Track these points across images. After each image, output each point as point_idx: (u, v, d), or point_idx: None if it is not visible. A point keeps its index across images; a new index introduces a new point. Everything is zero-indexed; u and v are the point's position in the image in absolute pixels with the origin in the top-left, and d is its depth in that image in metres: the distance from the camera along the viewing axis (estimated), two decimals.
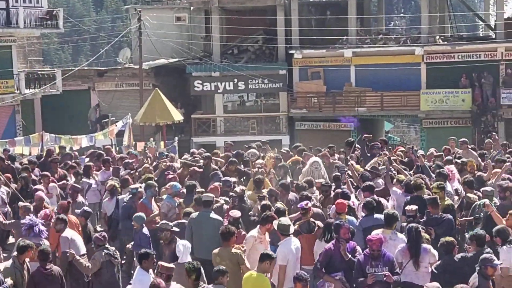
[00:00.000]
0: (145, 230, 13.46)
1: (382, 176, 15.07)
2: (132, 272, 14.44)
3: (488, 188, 13.49)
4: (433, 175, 14.80)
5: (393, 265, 10.38)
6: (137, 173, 17.90)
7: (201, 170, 17.28)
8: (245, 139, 31.01)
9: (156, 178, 16.75)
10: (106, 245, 11.83)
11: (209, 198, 13.14)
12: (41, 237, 12.28)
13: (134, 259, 13.62)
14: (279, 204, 13.05)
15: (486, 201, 12.44)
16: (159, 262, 10.32)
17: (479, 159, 17.92)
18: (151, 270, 10.53)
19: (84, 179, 17.80)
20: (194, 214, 13.00)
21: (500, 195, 13.11)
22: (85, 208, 14.52)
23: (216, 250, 11.37)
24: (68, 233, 12.57)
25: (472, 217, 12.68)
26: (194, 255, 12.34)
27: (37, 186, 16.41)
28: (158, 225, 12.43)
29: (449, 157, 17.53)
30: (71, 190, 16.08)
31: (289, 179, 16.06)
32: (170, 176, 16.29)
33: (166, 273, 9.89)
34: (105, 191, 16.92)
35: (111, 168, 18.70)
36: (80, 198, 15.94)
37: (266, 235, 11.91)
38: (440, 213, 12.23)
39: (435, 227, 11.91)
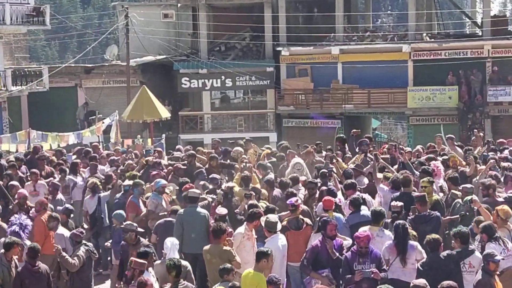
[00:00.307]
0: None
1: (367, 173, 15.14)
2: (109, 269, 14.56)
3: (468, 185, 13.50)
4: (417, 172, 14.81)
5: (381, 262, 10.41)
6: (118, 171, 17.77)
7: (185, 167, 17.30)
8: (232, 136, 30.96)
9: (139, 174, 16.70)
10: (84, 241, 11.93)
11: (194, 194, 13.39)
12: (21, 237, 12.32)
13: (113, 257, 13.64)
14: (263, 203, 13.10)
15: (474, 197, 12.49)
16: (131, 258, 10.45)
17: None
18: (150, 269, 10.54)
19: (70, 177, 17.75)
20: (181, 211, 13.14)
21: (483, 192, 13.13)
22: (67, 205, 14.56)
23: (207, 247, 11.43)
24: (63, 230, 12.61)
25: (457, 215, 12.69)
26: (183, 251, 12.47)
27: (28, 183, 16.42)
28: (122, 226, 12.29)
29: (431, 155, 17.57)
30: (51, 187, 16.05)
31: (272, 175, 16.07)
32: (154, 173, 16.26)
33: (139, 269, 10.08)
34: (84, 189, 16.84)
35: (99, 166, 18.66)
36: (59, 196, 15.89)
37: (253, 232, 11.96)
38: (428, 210, 12.28)
39: (424, 225, 11.93)
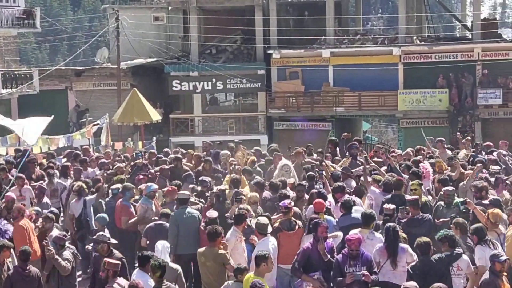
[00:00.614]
0: (106, 231, 13.50)
1: (354, 175, 15.18)
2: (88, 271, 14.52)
3: (450, 188, 13.53)
4: (405, 175, 14.80)
5: (372, 264, 10.42)
6: (105, 174, 17.70)
7: (169, 167, 17.25)
8: (223, 139, 30.93)
9: (126, 177, 16.66)
10: (67, 245, 11.91)
11: (184, 196, 13.53)
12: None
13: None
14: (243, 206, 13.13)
15: (467, 198, 12.53)
16: (105, 259, 10.52)
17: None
18: (121, 279, 10.53)
19: (59, 180, 17.67)
20: (173, 213, 13.27)
21: (475, 195, 13.17)
22: (53, 209, 14.50)
23: (201, 250, 11.45)
24: (57, 232, 12.58)
25: (447, 219, 12.70)
26: (178, 252, 12.67)
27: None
28: (94, 237, 12.15)
29: (417, 158, 17.61)
30: (37, 191, 15.98)
31: (259, 178, 16.08)
32: (141, 177, 16.21)
33: (113, 269, 10.18)
34: (68, 192, 16.69)
35: (88, 169, 18.60)
36: (45, 199, 15.80)
37: (241, 234, 12.04)
38: (421, 214, 12.32)
39: (416, 228, 11.97)
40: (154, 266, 9.89)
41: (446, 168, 16.26)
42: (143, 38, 40.09)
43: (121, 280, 10.20)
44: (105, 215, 13.62)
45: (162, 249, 11.31)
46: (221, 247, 11.31)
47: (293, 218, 12.22)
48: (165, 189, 15.15)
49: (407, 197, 12.96)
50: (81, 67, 44.47)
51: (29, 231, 12.83)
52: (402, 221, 12.09)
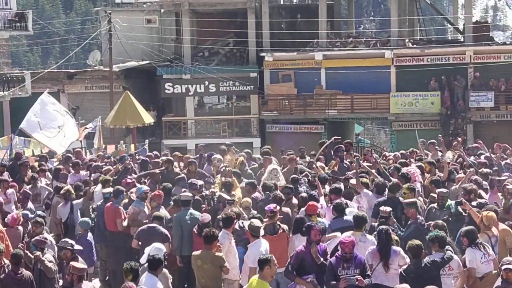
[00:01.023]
0: (89, 236, 13.51)
1: (343, 179, 15.23)
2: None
3: (444, 190, 13.60)
4: (393, 179, 14.80)
5: (365, 267, 10.42)
6: (91, 178, 17.57)
7: (159, 171, 17.27)
8: (216, 141, 30.94)
9: (112, 179, 16.57)
10: (46, 248, 11.91)
11: (187, 197, 13.64)
12: None
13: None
14: (235, 209, 13.18)
15: (463, 199, 12.54)
16: (70, 263, 10.52)
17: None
18: (86, 282, 10.55)
19: (42, 184, 17.49)
20: (177, 214, 13.42)
21: (464, 197, 13.19)
22: (40, 212, 14.47)
23: (197, 253, 11.43)
24: (48, 236, 12.56)
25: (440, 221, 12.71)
26: (182, 253, 12.86)
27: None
28: (58, 245, 12.06)
29: (402, 160, 17.65)
30: (21, 195, 15.89)
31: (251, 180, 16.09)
32: (128, 181, 16.17)
33: (78, 274, 10.19)
34: (52, 195, 16.53)
35: (81, 172, 18.55)
36: (30, 205, 15.61)
37: (232, 236, 12.12)
38: (418, 217, 12.34)
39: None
40: (126, 269, 9.86)
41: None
42: (136, 41, 40.07)
43: (86, 284, 10.22)
44: (87, 219, 13.61)
45: (151, 251, 11.33)
46: (218, 249, 11.33)
47: (278, 223, 12.20)
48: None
49: (405, 200, 12.88)
50: (73, 69, 44.36)
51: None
52: (397, 225, 12.04)
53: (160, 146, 37.66)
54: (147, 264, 10.44)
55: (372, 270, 10.66)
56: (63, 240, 11.84)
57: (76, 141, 28.25)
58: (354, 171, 15.10)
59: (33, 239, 12.17)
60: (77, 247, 11.70)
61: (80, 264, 10.51)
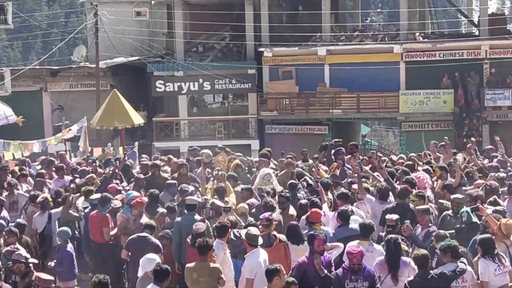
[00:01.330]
0: (69, 247, 13.50)
1: (344, 184, 15.23)
2: None
3: (459, 196, 13.58)
4: (397, 186, 14.75)
5: (374, 280, 10.38)
6: (72, 186, 17.49)
7: (145, 177, 17.29)
8: (211, 144, 30.91)
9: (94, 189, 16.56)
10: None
11: (193, 201, 13.85)
12: None
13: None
14: (232, 217, 13.19)
15: (479, 205, 12.46)
16: (36, 274, 10.60)
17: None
18: None
19: (20, 191, 17.34)
20: (179, 219, 13.58)
21: (470, 204, 13.17)
22: (19, 220, 14.44)
23: (191, 265, 11.40)
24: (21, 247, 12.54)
25: (452, 231, 12.68)
26: (182, 261, 12.89)
27: None
28: (12, 257, 11.81)
29: (410, 162, 17.65)
30: None
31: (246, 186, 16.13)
32: (118, 188, 16.10)
33: (43, 286, 10.28)
34: (26, 204, 16.38)
35: (65, 177, 18.52)
36: (4, 213, 15.45)
37: (226, 246, 12.11)
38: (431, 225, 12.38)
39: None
40: (94, 283, 9.88)
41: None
42: (124, 35, 40.06)
43: None
44: (67, 229, 13.58)
45: (143, 264, 11.33)
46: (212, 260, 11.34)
47: (273, 232, 12.11)
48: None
49: (419, 207, 12.83)
50: (56, 66, 44.46)
51: None
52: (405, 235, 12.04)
53: (150, 148, 37.65)
54: (153, 275, 10.45)
55: (380, 283, 10.63)
56: (17, 253, 11.65)
57: (60, 144, 28.30)
58: (357, 175, 15.05)
59: (3, 250, 12.14)
60: (32, 260, 11.55)
61: (46, 275, 10.50)
